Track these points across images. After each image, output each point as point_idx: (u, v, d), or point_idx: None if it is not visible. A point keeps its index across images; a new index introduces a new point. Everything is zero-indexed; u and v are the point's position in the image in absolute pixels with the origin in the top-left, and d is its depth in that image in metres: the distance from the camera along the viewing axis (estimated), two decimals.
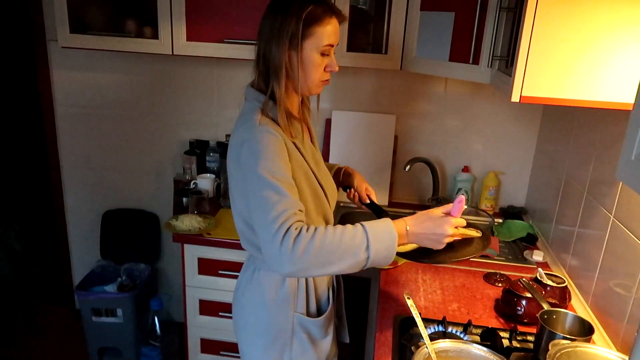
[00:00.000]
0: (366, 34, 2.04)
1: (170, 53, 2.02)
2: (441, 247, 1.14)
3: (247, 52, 1.96)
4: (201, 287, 2.07)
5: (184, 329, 2.16)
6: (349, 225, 1.07)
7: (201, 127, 2.47)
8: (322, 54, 1.21)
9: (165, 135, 2.51)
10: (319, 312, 1.38)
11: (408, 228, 1.12)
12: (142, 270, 2.55)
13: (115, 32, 2.09)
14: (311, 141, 1.39)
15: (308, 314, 1.35)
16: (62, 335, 2.75)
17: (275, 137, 1.15)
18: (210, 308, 2.09)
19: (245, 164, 1.13)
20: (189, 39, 1.99)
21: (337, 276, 1.47)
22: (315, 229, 1.04)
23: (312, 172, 1.28)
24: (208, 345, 2.17)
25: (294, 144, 1.23)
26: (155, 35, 2.02)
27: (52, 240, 2.83)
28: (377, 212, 1.42)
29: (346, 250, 1.04)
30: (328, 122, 2.30)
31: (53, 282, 2.96)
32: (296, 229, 1.03)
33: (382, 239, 1.06)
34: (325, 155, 2.30)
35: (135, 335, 2.46)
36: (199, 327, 2.15)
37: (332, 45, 1.22)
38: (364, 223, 1.08)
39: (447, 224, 1.13)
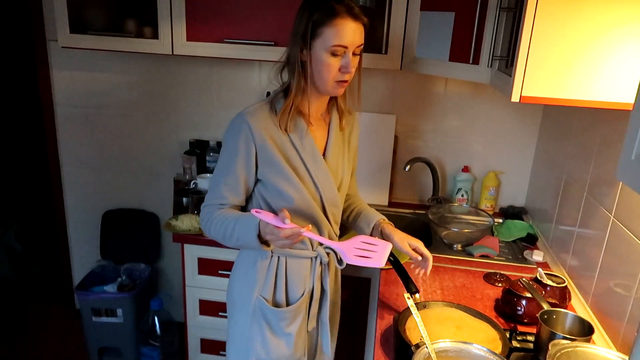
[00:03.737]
0: (366, 33, 2.03)
1: (170, 53, 2.02)
2: (281, 246, 1.23)
3: (247, 52, 1.96)
4: (201, 287, 2.07)
5: (184, 329, 2.16)
6: (230, 225, 1.28)
7: (201, 127, 2.47)
8: (334, 55, 1.21)
9: (165, 135, 2.51)
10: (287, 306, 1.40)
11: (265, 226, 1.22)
12: (142, 270, 2.55)
13: (115, 32, 2.09)
14: (327, 141, 1.38)
15: (274, 303, 1.39)
16: (62, 335, 2.75)
17: (241, 129, 1.25)
18: (210, 308, 2.09)
19: (222, 143, 1.33)
20: (189, 39, 1.99)
21: (322, 282, 1.44)
22: (209, 218, 1.32)
23: (306, 167, 1.31)
24: (208, 345, 2.17)
25: (289, 137, 1.29)
26: (155, 35, 2.01)
27: (52, 240, 2.83)
28: (404, 280, 1.40)
29: (224, 239, 1.31)
30: None
31: (53, 282, 2.96)
32: (202, 219, 1.35)
33: (247, 239, 1.26)
34: None
35: (135, 335, 2.46)
36: (199, 327, 2.15)
37: (344, 47, 1.21)
38: (236, 227, 1.26)
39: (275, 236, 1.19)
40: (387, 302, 1.48)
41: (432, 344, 1.11)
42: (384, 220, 1.46)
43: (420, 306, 1.37)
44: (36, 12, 2.38)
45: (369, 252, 1.23)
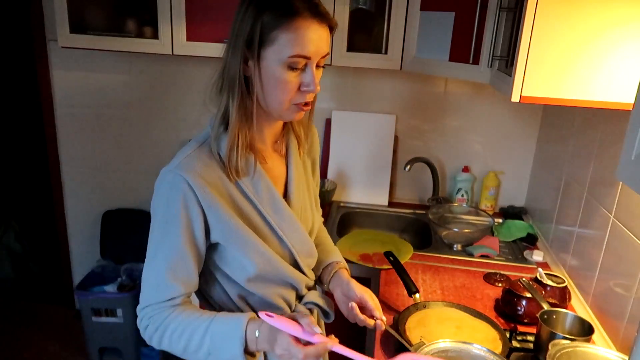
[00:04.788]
0: (366, 34, 2.04)
1: (170, 53, 2.02)
2: None
3: None
4: None
5: None
6: (197, 335, 0.95)
7: (201, 127, 2.46)
8: (292, 68, 0.91)
9: (165, 135, 2.51)
10: None
11: (257, 335, 0.92)
12: (142, 270, 2.55)
13: (115, 32, 2.09)
14: (287, 178, 1.09)
15: None
16: (62, 335, 2.75)
17: (179, 190, 0.94)
18: None
19: (152, 216, 1.01)
20: (189, 39, 1.99)
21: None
22: (158, 327, 0.99)
23: (267, 222, 1.02)
24: None
25: (238, 184, 0.98)
26: (155, 35, 2.01)
27: (52, 240, 2.83)
28: (404, 280, 1.27)
29: (185, 353, 0.99)
30: (328, 122, 2.30)
31: (53, 282, 2.96)
32: (145, 327, 1.01)
33: (227, 355, 0.94)
34: (326, 155, 2.29)
35: (135, 335, 2.46)
36: None
37: (306, 57, 0.91)
38: (207, 339, 0.94)
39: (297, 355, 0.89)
40: (387, 302, 1.48)
41: (431, 344, 1.11)
42: (340, 263, 1.19)
43: (420, 306, 1.38)
44: (36, 12, 2.38)
45: None
